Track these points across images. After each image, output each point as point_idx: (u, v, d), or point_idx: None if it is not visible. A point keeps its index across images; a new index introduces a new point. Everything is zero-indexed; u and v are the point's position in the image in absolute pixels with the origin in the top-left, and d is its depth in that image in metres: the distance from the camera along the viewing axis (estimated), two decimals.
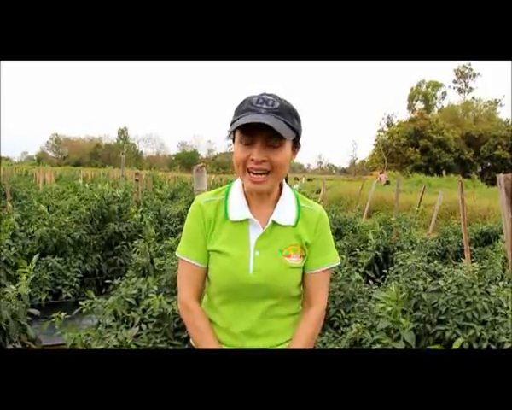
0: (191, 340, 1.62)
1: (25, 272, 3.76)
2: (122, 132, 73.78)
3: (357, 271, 4.44)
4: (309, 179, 33.93)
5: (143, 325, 3.31)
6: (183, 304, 1.58)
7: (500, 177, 1.95)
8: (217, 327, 1.57)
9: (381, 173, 36.80)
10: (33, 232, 6.08)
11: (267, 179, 1.43)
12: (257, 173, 1.42)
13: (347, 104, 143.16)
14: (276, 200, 1.54)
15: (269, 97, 1.42)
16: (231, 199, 1.55)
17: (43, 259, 5.81)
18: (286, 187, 1.58)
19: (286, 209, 1.53)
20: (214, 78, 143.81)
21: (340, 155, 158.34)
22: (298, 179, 29.61)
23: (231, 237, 1.52)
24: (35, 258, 4.20)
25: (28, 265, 3.97)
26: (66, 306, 5.03)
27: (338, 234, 8.10)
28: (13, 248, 5.38)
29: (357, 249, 5.34)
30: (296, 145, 1.51)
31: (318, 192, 17.68)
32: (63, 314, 3.54)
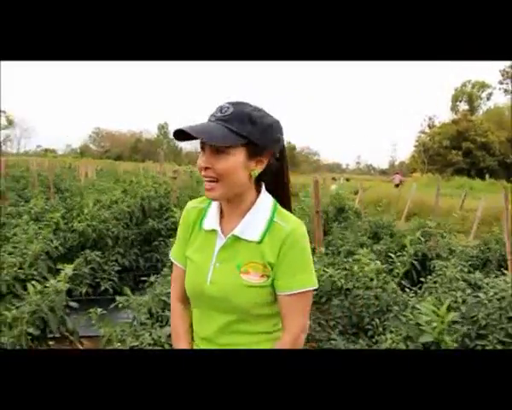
0: None
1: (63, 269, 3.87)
2: (162, 128, 74.84)
3: (393, 279, 4.35)
4: (347, 179, 33.57)
5: None
6: (170, 303, 1.67)
7: None
8: (193, 329, 1.62)
9: (396, 173, 35.96)
10: (75, 226, 6.24)
11: (216, 187, 1.39)
12: (207, 181, 1.40)
13: (388, 104, 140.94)
14: (247, 212, 1.48)
15: (226, 105, 1.40)
16: (211, 208, 1.55)
17: (82, 252, 5.98)
18: (263, 198, 1.49)
19: (253, 223, 1.45)
20: (253, 75, 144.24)
21: (379, 155, 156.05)
22: (336, 179, 29.35)
23: (201, 246, 1.53)
24: (77, 262, 4.32)
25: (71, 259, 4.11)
26: (105, 299, 5.18)
27: (375, 237, 7.99)
28: (55, 241, 5.55)
29: (393, 255, 5.24)
30: (256, 153, 1.41)
31: (356, 193, 17.46)
32: (99, 310, 3.65)
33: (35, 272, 4.41)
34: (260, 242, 1.43)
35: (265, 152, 1.42)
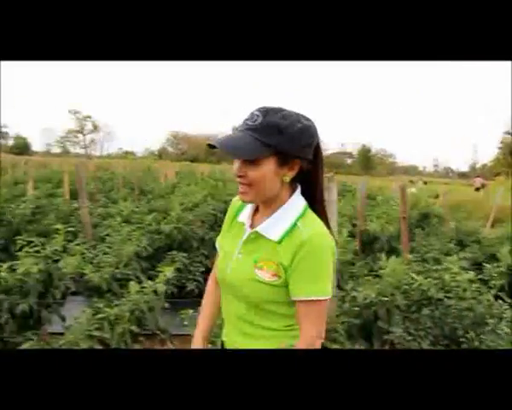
0: None
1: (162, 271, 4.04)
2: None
3: (489, 291, 4.15)
4: (425, 182, 32.45)
5: None
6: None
7: None
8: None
9: (476, 176, 34.21)
10: (162, 228, 6.47)
11: (249, 192, 1.46)
12: (241, 185, 1.46)
13: (469, 104, 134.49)
14: (276, 211, 1.52)
15: (256, 113, 1.42)
16: None
17: (169, 253, 6.19)
18: (294, 200, 1.52)
19: (276, 223, 1.49)
20: (323, 76, 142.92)
21: (458, 157, 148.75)
22: (413, 182, 28.44)
23: (233, 236, 1.63)
24: (174, 265, 4.48)
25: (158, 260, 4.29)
26: (192, 300, 5.35)
27: (460, 244, 7.66)
28: (144, 241, 5.80)
29: (486, 265, 5.00)
30: (286, 160, 1.44)
31: (436, 197, 16.78)
32: (191, 311, 3.77)
33: (129, 272, 4.65)
34: (279, 242, 1.48)
35: (296, 158, 1.46)
